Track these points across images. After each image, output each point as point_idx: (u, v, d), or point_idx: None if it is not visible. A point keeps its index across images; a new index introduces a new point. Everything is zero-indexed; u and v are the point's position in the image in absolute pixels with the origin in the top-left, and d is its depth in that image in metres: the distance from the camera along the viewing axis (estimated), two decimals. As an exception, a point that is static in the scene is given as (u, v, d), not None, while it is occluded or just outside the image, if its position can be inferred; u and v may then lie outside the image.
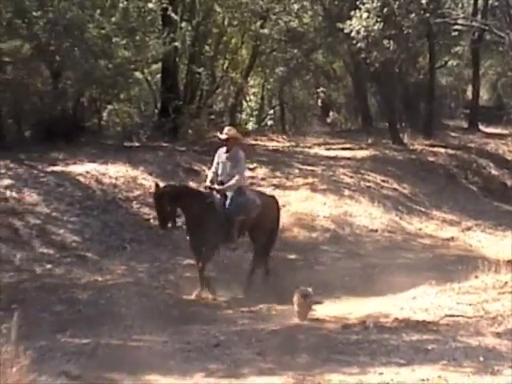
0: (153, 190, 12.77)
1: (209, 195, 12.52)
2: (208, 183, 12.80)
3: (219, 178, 12.60)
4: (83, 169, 17.09)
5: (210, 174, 13.02)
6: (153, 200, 13.00)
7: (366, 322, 9.58)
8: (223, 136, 12.66)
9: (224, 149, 12.69)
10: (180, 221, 12.89)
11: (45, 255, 13.55)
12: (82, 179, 16.58)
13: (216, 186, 12.55)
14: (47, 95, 20.45)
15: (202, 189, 13.02)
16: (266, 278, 12.88)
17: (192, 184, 16.74)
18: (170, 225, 12.49)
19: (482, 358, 7.65)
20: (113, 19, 19.10)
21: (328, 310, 10.89)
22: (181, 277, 13.30)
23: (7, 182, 15.67)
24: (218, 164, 12.70)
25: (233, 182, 12.40)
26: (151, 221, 15.75)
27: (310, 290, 10.64)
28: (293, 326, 10.02)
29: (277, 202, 13.75)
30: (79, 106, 20.97)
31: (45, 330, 9.98)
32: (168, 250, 14.58)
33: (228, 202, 12.40)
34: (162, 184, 13.41)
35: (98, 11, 18.97)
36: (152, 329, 10.09)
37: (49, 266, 13.21)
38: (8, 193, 15.20)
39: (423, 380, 7.26)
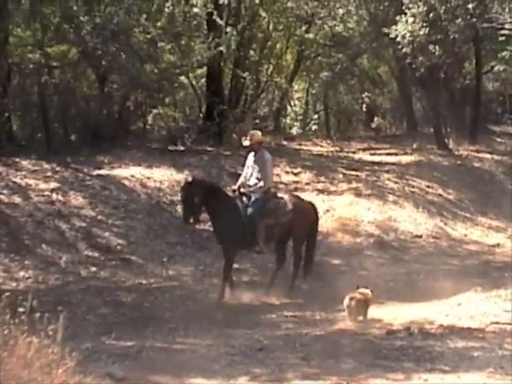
0: (183, 182, 12.68)
1: (234, 198, 12.56)
2: (235, 186, 12.83)
3: (248, 182, 12.66)
4: (128, 172, 17.22)
5: (241, 178, 13.02)
6: (180, 191, 12.96)
7: (410, 327, 9.53)
8: (246, 143, 12.75)
9: (253, 153, 12.74)
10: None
11: (90, 258, 13.69)
12: (127, 183, 16.71)
13: (242, 189, 12.60)
14: (93, 99, 20.69)
15: (229, 192, 12.98)
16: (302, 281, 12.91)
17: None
18: (192, 219, 12.46)
19: (529, 366, 7.58)
20: (158, 24, 19.26)
21: (372, 315, 10.82)
22: (225, 281, 13.30)
23: (53, 185, 15.85)
24: (247, 168, 12.78)
25: (260, 184, 12.44)
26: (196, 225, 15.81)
27: (368, 291, 10.69)
28: (337, 330, 10.00)
29: (315, 208, 13.57)
30: (125, 109, 21.15)
31: (90, 332, 10.05)
32: (212, 253, 14.58)
33: (251, 204, 12.39)
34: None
35: (144, 16, 19.16)
36: (196, 332, 10.13)
37: (94, 268, 13.35)
38: (54, 196, 15.37)
39: (469, 387, 7.21)
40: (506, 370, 7.61)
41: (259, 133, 13.27)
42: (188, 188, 12.27)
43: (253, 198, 12.42)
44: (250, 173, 12.66)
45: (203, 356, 8.70)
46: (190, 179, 12.45)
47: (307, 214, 13.09)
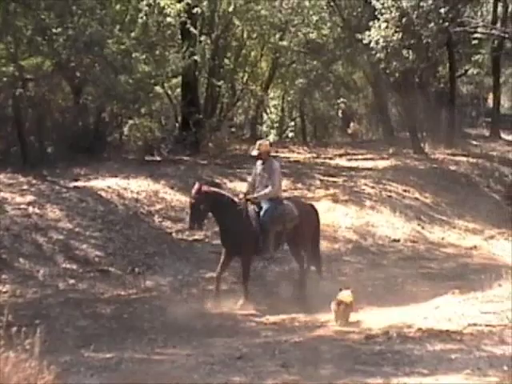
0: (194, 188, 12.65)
1: (241, 205, 12.63)
2: (241, 195, 13.02)
3: (257, 190, 12.80)
4: (105, 184, 17.18)
5: (247, 185, 13.31)
6: (190, 198, 12.95)
7: (389, 332, 9.54)
8: (254, 152, 12.92)
9: (260, 161, 12.90)
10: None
11: (68, 270, 13.61)
12: (104, 194, 16.66)
13: (249, 196, 12.74)
14: (69, 111, 20.66)
15: (236, 199, 13.04)
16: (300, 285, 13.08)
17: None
18: (196, 226, 12.65)
19: (506, 367, 7.60)
20: (132, 34, 19.22)
21: (351, 320, 10.86)
22: (204, 290, 13.31)
23: (30, 198, 15.75)
24: (255, 176, 12.94)
25: (265, 191, 12.60)
26: (173, 234, 15.84)
27: (349, 292, 10.88)
28: (316, 337, 10.01)
29: (316, 210, 13.90)
30: (101, 121, 21.11)
31: (69, 345, 9.99)
32: (191, 263, 14.63)
33: (262, 212, 12.56)
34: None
35: (118, 27, 19.12)
36: (175, 342, 10.12)
37: (72, 281, 13.27)
38: (31, 209, 15.27)
39: (447, 390, 7.24)
40: (484, 371, 7.65)
41: (267, 142, 13.59)
42: (197, 196, 12.36)
43: (264, 206, 12.58)
44: (258, 181, 12.82)
45: (182, 366, 8.68)
46: (199, 187, 12.49)
47: (311, 217, 13.42)
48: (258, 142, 13.10)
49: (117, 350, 9.53)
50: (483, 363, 7.89)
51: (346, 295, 10.83)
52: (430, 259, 16.30)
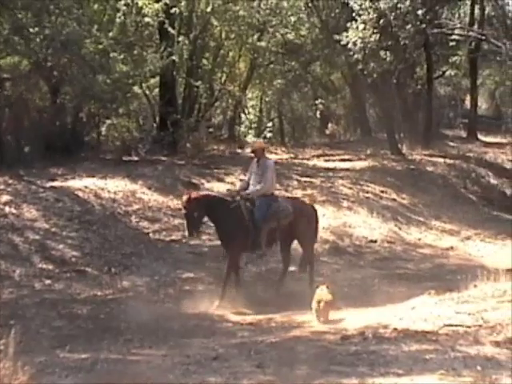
0: (183, 198, 12.82)
1: (233, 202, 12.78)
2: (235, 191, 13.45)
3: (250, 187, 12.98)
4: (82, 184, 17.12)
5: (242, 182, 13.72)
6: (182, 208, 13.15)
7: (365, 332, 9.56)
8: (249, 149, 13.36)
9: (256, 160, 13.11)
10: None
11: (44, 271, 13.55)
12: (80, 194, 16.60)
13: (242, 193, 12.94)
14: (46, 111, 20.57)
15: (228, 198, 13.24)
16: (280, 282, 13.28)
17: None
18: (195, 232, 12.76)
19: (480, 368, 7.64)
20: (110, 34, 19.19)
21: (331, 318, 10.89)
22: (181, 290, 13.32)
23: (6, 198, 15.69)
24: (251, 174, 13.13)
25: (257, 188, 12.79)
26: (151, 234, 15.81)
27: (324, 287, 11.06)
28: (292, 337, 10.01)
29: (314, 209, 14.07)
30: (78, 121, 21.04)
31: (44, 346, 9.95)
32: (168, 263, 14.61)
33: (256, 209, 12.71)
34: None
35: (96, 26, 19.05)
36: (151, 343, 10.10)
37: (48, 281, 13.21)
38: (7, 209, 15.21)
39: (422, 390, 7.26)
40: (458, 371, 7.68)
41: (261, 140, 14.51)
42: (189, 204, 12.49)
43: (257, 203, 12.74)
44: (253, 178, 13.01)
45: (158, 366, 8.68)
46: (189, 196, 12.61)
47: (308, 215, 13.48)
48: (252, 140, 13.37)
49: (92, 351, 9.51)
50: (458, 363, 7.92)
51: (324, 293, 10.92)
52: (407, 260, 16.37)
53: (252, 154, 13.41)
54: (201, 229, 12.99)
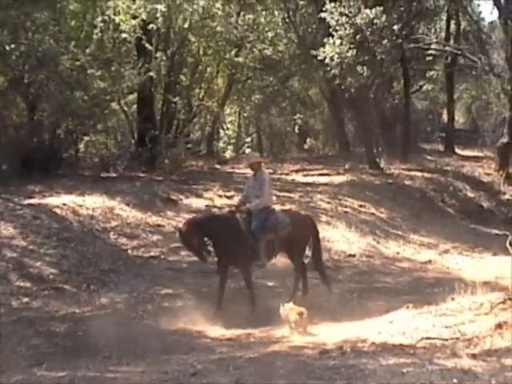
0: (177, 235, 13.15)
1: (231, 217, 13.01)
2: (234, 207, 13.55)
3: (248, 201, 13.16)
4: (60, 201, 17.03)
5: (240, 197, 13.82)
6: (181, 241, 13.31)
7: (343, 346, 9.55)
8: (245, 163, 13.57)
9: (252, 173, 13.37)
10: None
11: (22, 288, 13.43)
12: (58, 211, 16.52)
13: (242, 207, 13.11)
14: (23, 127, 20.48)
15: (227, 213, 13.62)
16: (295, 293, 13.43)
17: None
18: (205, 255, 12.96)
19: (456, 380, 7.65)
20: (87, 50, 19.24)
21: (306, 336, 10.90)
22: (159, 306, 13.27)
23: (-17, 215, 15.60)
24: (248, 188, 13.35)
25: (256, 202, 12.97)
26: (129, 251, 15.75)
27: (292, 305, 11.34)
28: (271, 352, 9.99)
29: (312, 220, 14.34)
30: (56, 137, 20.95)
31: (21, 365, 9.88)
32: (146, 280, 14.55)
33: (253, 221, 12.87)
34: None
35: (73, 43, 19.08)
36: (130, 360, 10.05)
37: (26, 299, 13.09)
38: (-16, 226, 15.12)
39: (399, 403, 7.27)
40: (436, 384, 7.71)
41: (257, 154, 14.91)
42: (186, 236, 12.73)
43: (254, 215, 12.93)
44: (250, 192, 13.22)
45: (136, 383, 8.64)
46: (183, 228, 12.79)
47: (304, 227, 13.66)
48: (249, 154, 13.49)
49: (70, 369, 9.44)
50: (435, 376, 7.92)
51: (295, 307, 11.20)
52: (385, 274, 16.38)
53: (246, 166, 13.73)
54: (208, 248, 12.99)
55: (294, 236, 13.21)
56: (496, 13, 27.11)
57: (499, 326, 9.32)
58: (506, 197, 25.96)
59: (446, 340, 9.26)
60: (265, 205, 13.07)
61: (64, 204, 16.89)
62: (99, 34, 19.92)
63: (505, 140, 27.14)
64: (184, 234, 12.74)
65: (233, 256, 12.90)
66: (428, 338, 9.42)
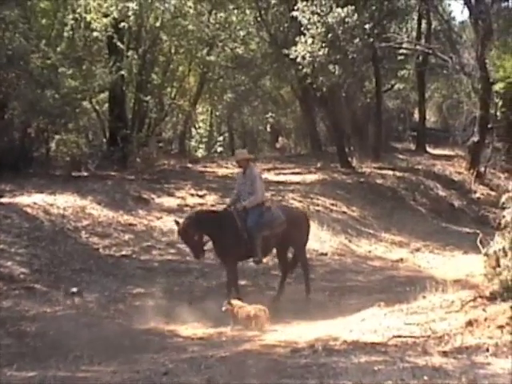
0: (176, 228, 13.06)
1: (227, 214, 12.95)
2: (227, 206, 13.48)
3: (242, 198, 13.09)
4: (31, 200, 16.94)
5: (233, 195, 13.67)
6: (179, 237, 13.29)
7: (315, 345, 9.56)
8: (234, 161, 13.71)
9: (241, 171, 13.36)
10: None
11: (-8, 288, 13.36)
12: (29, 210, 16.42)
13: (238, 205, 13.01)
14: (-7, 126, 20.30)
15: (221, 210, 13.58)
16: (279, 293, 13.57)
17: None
18: (201, 255, 12.96)
19: (427, 378, 7.69)
20: (58, 49, 19.14)
21: (278, 335, 10.90)
22: (131, 306, 13.23)
23: (-48, 215, 15.48)
24: (239, 185, 13.31)
25: (251, 199, 12.92)
26: (100, 250, 15.69)
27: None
28: (242, 351, 9.98)
29: (306, 216, 14.42)
30: (26, 136, 20.82)
31: (-9, 365, 9.82)
32: (118, 279, 14.50)
33: (249, 218, 12.83)
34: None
35: (44, 41, 18.96)
36: (101, 359, 9.98)
37: (-4, 299, 13.03)
38: (-46, 227, 15.01)
39: (371, 401, 7.29)
40: (407, 382, 7.72)
41: (244, 151, 14.51)
42: (184, 231, 12.72)
43: (250, 213, 12.87)
44: (242, 189, 13.17)
45: (107, 383, 8.60)
46: (181, 224, 12.78)
47: (300, 222, 13.73)
48: (237, 151, 13.55)
49: (40, 369, 9.39)
50: (406, 374, 7.96)
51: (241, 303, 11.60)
52: (357, 272, 16.43)
53: (236, 162, 13.71)
54: (205, 247, 13.00)
55: (290, 232, 13.18)
56: (467, 12, 27.38)
57: (470, 323, 9.39)
58: (477, 195, 26.16)
59: (417, 338, 9.31)
60: (260, 200, 13.05)
61: (35, 203, 16.80)
62: (70, 33, 19.85)
63: (475, 139, 27.33)
64: (185, 229, 12.69)
65: (223, 252, 12.95)
66: (399, 336, 9.46)
